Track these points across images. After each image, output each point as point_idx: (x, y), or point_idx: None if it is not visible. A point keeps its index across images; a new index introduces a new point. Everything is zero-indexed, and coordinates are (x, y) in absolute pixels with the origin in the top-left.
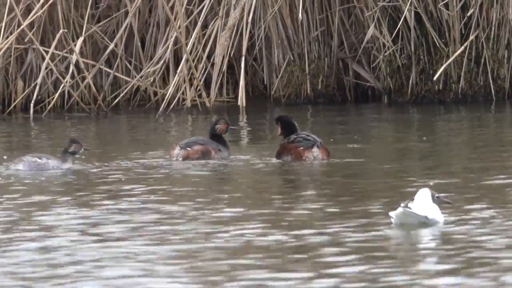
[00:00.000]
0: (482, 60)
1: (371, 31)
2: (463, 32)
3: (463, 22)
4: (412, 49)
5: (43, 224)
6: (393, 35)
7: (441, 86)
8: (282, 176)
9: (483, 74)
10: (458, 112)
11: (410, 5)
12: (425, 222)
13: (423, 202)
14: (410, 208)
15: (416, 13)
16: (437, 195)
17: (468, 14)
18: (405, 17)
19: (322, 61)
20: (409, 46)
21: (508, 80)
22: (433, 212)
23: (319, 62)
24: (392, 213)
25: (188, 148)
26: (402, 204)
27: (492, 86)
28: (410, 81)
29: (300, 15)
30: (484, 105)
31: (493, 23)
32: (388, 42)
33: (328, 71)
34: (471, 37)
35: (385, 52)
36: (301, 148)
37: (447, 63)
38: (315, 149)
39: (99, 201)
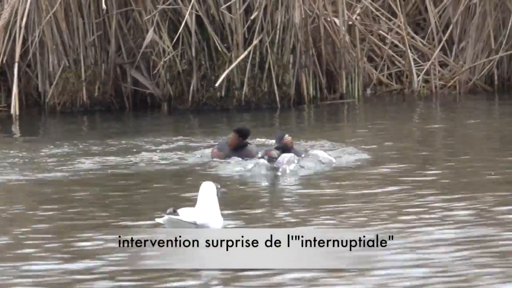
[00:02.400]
0: (267, 66)
1: (150, 35)
2: (247, 36)
3: (246, 26)
4: (193, 54)
5: None
6: (174, 40)
7: (223, 92)
8: None
9: (267, 80)
10: (241, 120)
11: (192, 8)
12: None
13: (206, 198)
14: (177, 214)
15: (198, 17)
16: (219, 186)
17: (252, 17)
18: (186, 20)
19: (98, 67)
20: (190, 51)
21: (293, 86)
22: (206, 216)
23: (95, 68)
24: (159, 220)
25: None
26: (168, 210)
27: (276, 93)
28: (191, 88)
29: (104, 4)
30: (268, 112)
31: (278, 26)
32: (168, 47)
33: (105, 77)
34: (255, 42)
35: (165, 57)
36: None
37: (229, 68)
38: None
39: None
